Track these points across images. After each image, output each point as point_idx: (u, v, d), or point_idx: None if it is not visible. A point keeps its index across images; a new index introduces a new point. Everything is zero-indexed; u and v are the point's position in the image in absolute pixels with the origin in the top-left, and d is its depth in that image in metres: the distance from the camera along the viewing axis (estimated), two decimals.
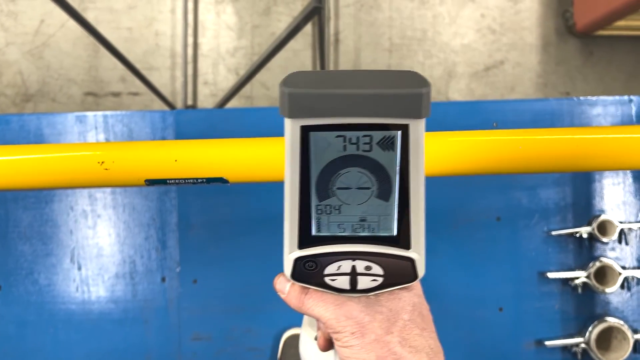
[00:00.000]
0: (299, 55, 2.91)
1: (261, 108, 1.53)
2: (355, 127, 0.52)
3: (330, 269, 0.58)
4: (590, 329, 1.45)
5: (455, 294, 1.47)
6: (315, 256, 0.58)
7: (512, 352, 1.48)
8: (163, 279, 1.45)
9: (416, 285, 0.62)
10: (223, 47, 2.96)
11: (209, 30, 2.96)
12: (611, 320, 1.45)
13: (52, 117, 1.43)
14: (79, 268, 1.45)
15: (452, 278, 1.47)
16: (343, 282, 0.59)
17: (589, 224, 1.47)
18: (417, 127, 0.52)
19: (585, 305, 1.48)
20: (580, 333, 1.47)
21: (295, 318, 1.43)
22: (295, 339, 1.42)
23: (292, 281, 0.60)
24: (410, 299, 0.60)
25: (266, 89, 2.89)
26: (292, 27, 1.62)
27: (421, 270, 0.59)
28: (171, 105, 2.64)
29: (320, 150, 0.53)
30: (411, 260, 0.58)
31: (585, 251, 1.48)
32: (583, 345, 1.45)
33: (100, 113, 1.43)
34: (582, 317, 1.48)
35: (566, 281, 1.48)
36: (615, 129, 0.88)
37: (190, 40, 2.88)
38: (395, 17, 3.03)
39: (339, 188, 0.55)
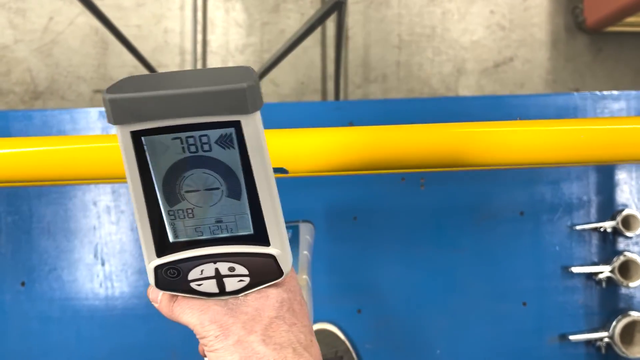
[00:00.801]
0: (307, 52, 2.91)
1: (282, 103, 1.54)
2: (188, 128, 0.50)
3: (194, 274, 0.57)
4: (614, 323, 1.45)
5: (479, 289, 1.48)
6: (174, 263, 0.57)
7: (535, 347, 1.48)
8: None
9: (288, 280, 0.62)
10: (232, 44, 2.96)
11: (218, 27, 2.96)
12: (635, 315, 1.45)
13: (75, 112, 1.43)
14: (103, 264, 1.45)
15: (475, 273, 1.48)
16: (210, 286, 0.58)
17: (613, 218, 1.47)
18: (250, 122, 0.50)
19: (609, 300, 1.49)
20: (604, 327, 1.47)
21: (321, 313, 1.43)
22: (319, 333, 1.43)
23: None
24: (278, 296, 0.60)
25: (275, 86, 2.89)
26: (312, 22, 1.62)
27: (286, 265, 0.59)
28: None
29: (159, 155, 0.52)
30: (272, 257, 0.57)
31: (609, 245, 1.49)
32: (607, 339, 1.45)
33: None
34: (606, 311, 1.49)
35: (590, 276, 1.48)
36: None
37: (199, 37, 2.88)
38: (404, 13, 3.04)
39: (187, 191, 0.55)
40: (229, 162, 0.53)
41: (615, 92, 1.48)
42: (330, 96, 2.88)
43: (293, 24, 2.96)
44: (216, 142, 0.51)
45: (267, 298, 0.59)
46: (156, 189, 0.54)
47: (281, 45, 2.92)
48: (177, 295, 0.60)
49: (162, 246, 0.57)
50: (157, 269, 0.57)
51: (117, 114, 0.48)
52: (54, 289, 1.44)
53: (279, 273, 0.58)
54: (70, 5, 2.87)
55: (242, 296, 0.59)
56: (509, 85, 3.05)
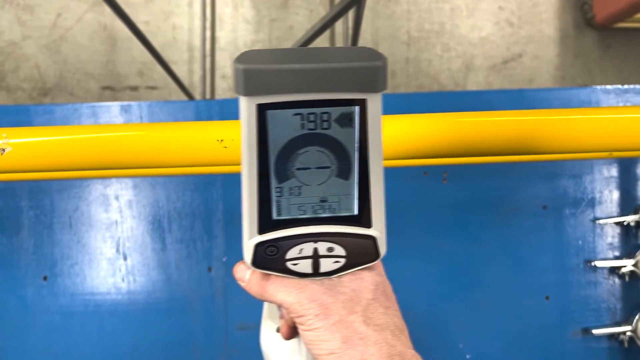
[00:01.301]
0: None
1: None
2: (313, 104, 0.51)
3: (292, 252, 0.57)
4: (637, 317, 1.46)
5: (502, 283, 1.48)
6: (276, 240, 0.57)
7: (558, 341, 1.48)
8: (209, 269, 1.45)
9: (378, 265, 0.62)
10: (241, 40, 2.96)
11: (227, 23, 2.96)
12: None
13: (96, 107, 1.43)
14: (125, 258, 1.45)
15: (498, 267, 1.48)
16: (305, 266, 0.58)
17: (636, 212, 1.47)
18: (375, 102, 0.51)
19: (632, 294, 1.49)
20: (627, 321, 1.47)
21: None
22: None
23: (253, 268, 0.59)
24: (372, 279, 0.60)
25: None
26: (330, 16, 1.62)
27: (383, 248, 0.59)
28: (191, 97, 2.65)
29: (278, 130, 0.52)
30: (373, 239, 0.58)
31: (632, 239, 1.49)
32: (630, 333, 1.45)
33: (145, 102, 1.43)
34: (629, 305, 1.49)
35: (613, 270, 1.48)
36: None
37: (207, 34, 2.88)
38: (413, 10, 3.04)
39: (298, 169, 0.55)
40: (345, 141, 0.53)
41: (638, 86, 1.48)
42: None
43: (302, 20, 2.96)
44: (336, 120, 0.52)
45: (362, 280, 0.60)
46: (270, 164, 0.54)
47: (289, 41, 2.92)
48: (270, 274, 0.60)
49: (264, 223, 0.56)
50: (258, 246, 0.57)
51: (249, 84, 0.49)
52: (76, 283, 1.44)
53: (376, 256, 0.59)
54: (78, 1, 2.87)
55: (335, 277, 0.60)
56: (518, 81, 3.06)
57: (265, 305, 0.94)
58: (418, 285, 1.46)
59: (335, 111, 0.51)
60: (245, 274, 0.62)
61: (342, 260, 0.58)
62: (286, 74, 0.48)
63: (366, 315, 0.57)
